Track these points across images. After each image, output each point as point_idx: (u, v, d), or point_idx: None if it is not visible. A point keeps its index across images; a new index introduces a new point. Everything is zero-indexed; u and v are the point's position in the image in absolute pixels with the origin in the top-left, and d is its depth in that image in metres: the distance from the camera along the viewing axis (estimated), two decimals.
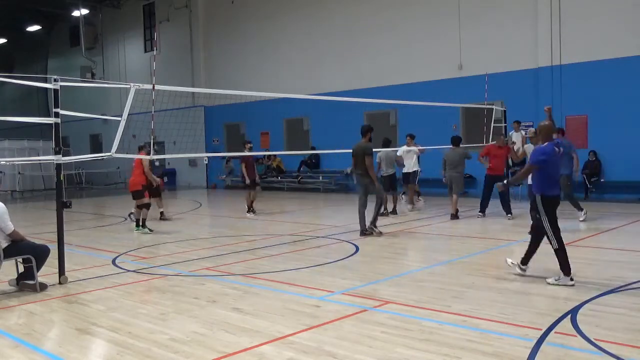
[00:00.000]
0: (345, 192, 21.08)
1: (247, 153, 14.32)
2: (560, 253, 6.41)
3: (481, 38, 17.97)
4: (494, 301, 5.84)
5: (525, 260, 6.83)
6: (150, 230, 11.78)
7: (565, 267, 6.36)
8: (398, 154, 13.87)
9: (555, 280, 6.38)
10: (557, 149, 6.61)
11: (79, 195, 24.59)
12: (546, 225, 6.53)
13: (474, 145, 14.59)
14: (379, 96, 15.73)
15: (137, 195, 12.03)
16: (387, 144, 13.31)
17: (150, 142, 11.56)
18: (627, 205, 14.13)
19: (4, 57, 38.34)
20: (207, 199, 21.16)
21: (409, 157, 13.95)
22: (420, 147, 14.25)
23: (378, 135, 14.29)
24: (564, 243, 6.48)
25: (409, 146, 14.00)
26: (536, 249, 6.79)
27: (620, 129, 15.58)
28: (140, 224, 11.85)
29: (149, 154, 12.42)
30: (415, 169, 14.02)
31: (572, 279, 6.31)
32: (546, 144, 6.63)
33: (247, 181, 14.27)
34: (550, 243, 6.48)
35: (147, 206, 12.05)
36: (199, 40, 27.28)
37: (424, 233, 10.92)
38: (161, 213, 13.87)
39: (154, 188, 13.06)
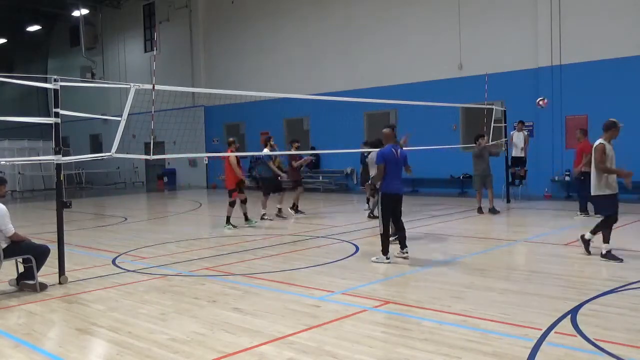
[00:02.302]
0: (345, 192, 21.09)
1: (294, 152, 14.08)
2: (384, 238, 7.85)
3: (481, 38, 17.96)
4: (494, 301, 5.84)
5: (402, 245, 8.04)
6: (234, 226, 12.02)
7: (384, 249, 7.85)
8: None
9: (377, 259, 7.89)
10: (394, 150, 7.92)
11: (79, 195, 24.59)
12: (379, 213, 7.99)
13: (474, 145, 14.58)
14: (379, 96, 15.72)
15: (231, 192, 12.22)
16: (376, 144, 12.99)
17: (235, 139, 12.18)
18: (627, 205, 14.10)
19: (4, 57, 38.33)
20: (207, 199, 21.16)
21: None
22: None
23: (375, 136, 14.32)
24: (389, 232, 8.03)
25: None
26: (403, 234, 8.09)
27: (620, 128, 15.55)
28: (227, 220, 12.17)
29: (237, 150, 12.58)
30: None
31: (388, 258, 7.81)
32: (385, 146, 8.03)
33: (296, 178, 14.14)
34: (379, 226, 7.92)
35: (244, 201, 12.32)
36: (199, 40, 27.28)
37: (424, 233, 10.91)
38: (279, 209, 13.75)
39: (276, 184, 13.27)
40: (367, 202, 14.47)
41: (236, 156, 12.17)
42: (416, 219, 12.88)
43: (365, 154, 13.42)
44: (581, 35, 16.04)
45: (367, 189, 14.54)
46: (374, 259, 7.96)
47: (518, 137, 15.49)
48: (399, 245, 8.10)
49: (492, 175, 13.31)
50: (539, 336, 4.66)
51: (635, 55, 15.21)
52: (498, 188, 15.75)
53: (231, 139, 12.62)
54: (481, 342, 4.59)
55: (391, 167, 7.86)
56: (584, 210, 12.31)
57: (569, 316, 5.17)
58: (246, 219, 12.44)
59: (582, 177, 12.21)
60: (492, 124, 15.27)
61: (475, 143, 13.30)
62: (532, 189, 16.44)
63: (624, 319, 5.10)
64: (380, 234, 7.91)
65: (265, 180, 13.55)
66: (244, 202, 12.41)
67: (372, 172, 12.86)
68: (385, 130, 8.26)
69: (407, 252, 8.04)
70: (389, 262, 7.76)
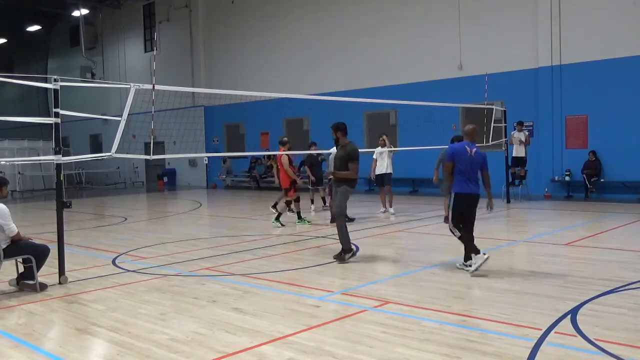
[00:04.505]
0: None
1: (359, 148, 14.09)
2: (464, 240, 7.20)
3: (481, 38, 17.97)
4: (494, 301, 5.84)
5: (466, 258, 7.28)
6: (282, 224, 12.05)
7: (472, 250, 7.08)
8: (374, 156, 13.51)
9: (474, 268, 6.95)
10: (468, 148, 7.24)
11: (79, 195, 24.59)
12: (449, 218, 7.37)
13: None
14: (379, 96, 15.73)
15: (286, 191, 12.30)
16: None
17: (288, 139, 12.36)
18: (627, 205, 14.13)
19: (4, 57, 38.34)
20: (207, 199, 21.16)
21: (382, 158, 13.43)
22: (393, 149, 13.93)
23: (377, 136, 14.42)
24: (465, 232, 7.23)
25: (383, 147, 13.36)
26: (471, 240, 7.25)
27: (620, 129, 15.58)
28: (298, 217, 12.37)
29: (290, 150, 12.59)
30: (389, 171, 13.45)
31: (484, 254, 6.98)
32: (459, 142, 7.49)
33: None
34: (453, 234, 7.29)
35: (297, 200, 12.43)
36: (199, 40, 27.29)
37: (424, 233, 10.92)
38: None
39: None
40: (324, 202, 14.93)
41: (288, 155, 12.22)
42: (416, 219, 12.89)
43: (323, 154, 13.50)
44: (581, 35, 16.05)
45: (327, 188, 14.38)
46: (472, 269, 6.94)
47: (518, 137, 15.50)
48: (464, 257, 7.31)
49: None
50: (539, 336, 4.66)
51: (635, 55, 15.22)
52: (498, 188, 15.76)
53: (285, 139, 12.73)
54: (481, 342, 4.59)
55: (464, 165, 7.16)
56: None
57: (569, 316, 5.17)
58: (299, 217, 12.47)
59: None
60: (492, 124, 15.28)
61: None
62: (532, 189, 16.44)
63: (624, 319, 5.10)
64: (459, 238, 7.21)
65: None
66: (296, 200, 12.51)
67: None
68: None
69: (470, 265, 7.14)
70: (487, 257, 6.92)
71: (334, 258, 8.11)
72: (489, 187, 7.43)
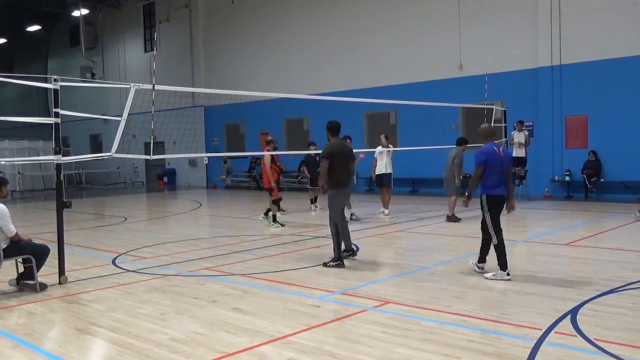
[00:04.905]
0: None
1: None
2: (499, 249, 6.79)
3: (481, 38, 17.97)
4: (494, 301, 5.84)
5: (481, 259, 7.12)
6: (282, 225, 12.02)
7: (502, 262, 6.75)
8: (375, 155, 13.47)
9: (493, 275, 6.74)
10: (496, 149, 7.01)
11: (79, 195, 24.59)
12: (488, 222, 6.90)
13: (474, 145, 14.59)
14: (379, 96, 15.73)
15: (270, 191, 12.19)
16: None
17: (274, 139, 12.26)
18: (627, 205, 14.13)
19: (4, 57, 38.35)
20: (207, 199, 21.16)
21: (382, 158, 13.28)
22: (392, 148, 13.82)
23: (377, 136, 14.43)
24: (504, 240, 6.88)
25: (383, 146, 13.23)
26: (488, 247, 7.04)
27: (620, 129, 15.59)
28: (272, 219, 12.15)
29: (275, 149, 12.57)
30: (388, 171, 13.27)
31: (508, 274, 6.69)
32: (487, 144, 7.09)
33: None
34: (492, 239, 6.87)
35: (277, 202, 12.33)
36: (199, 40, 27.29)
37: (424, 233, 10.92)
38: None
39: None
40: (314, 202, 14.94)
41: (271, 156, 12.17)
42: (417, 219, 12.88)
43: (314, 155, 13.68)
44: (581, 35, 16.05)
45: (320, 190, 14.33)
46: (489, 275, 6.75)
47: (518, 137, 15.50)
48: (478, 259, 7.14)
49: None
50: (539, 336, 4.66)
51: (635, 55, 15.22)
52: None
53: (269, 138, 12.71)
54: (481, 342, 4.59)
55: (496, 168, 6.87)
56: None
57: (569, 316, 5.18)
58: (266, 213, 12.45)
59: None
60: (492, 124, 15.27)
61: (460, 146, 12.45)
62: (532, 189, 16.45)
63: (624, 319, 5.10)
64: (495, 245, 6.80)
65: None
66: (277, 202, 12.44)
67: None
68: (483, 126, 7.33)
69: (482, 268, 7.06)
70: (509, 279, 6.63)
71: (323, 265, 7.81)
72: (512, 189, 7.28)
